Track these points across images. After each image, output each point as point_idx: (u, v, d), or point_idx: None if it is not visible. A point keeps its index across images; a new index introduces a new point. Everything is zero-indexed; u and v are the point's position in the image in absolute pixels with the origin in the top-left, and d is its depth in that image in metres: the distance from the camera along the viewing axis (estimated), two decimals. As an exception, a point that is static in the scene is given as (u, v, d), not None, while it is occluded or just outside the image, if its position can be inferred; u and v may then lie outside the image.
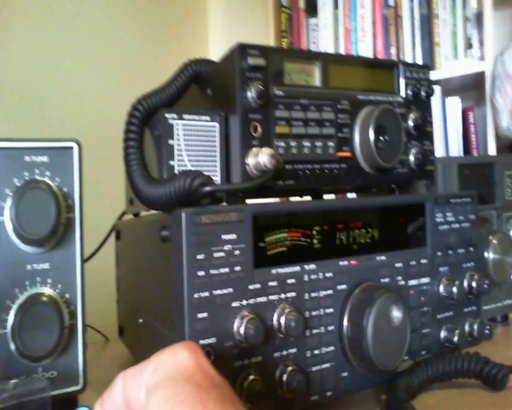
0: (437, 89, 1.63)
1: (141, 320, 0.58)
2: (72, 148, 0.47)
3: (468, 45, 1.65)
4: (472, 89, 1.74)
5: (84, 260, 0.49)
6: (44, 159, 0.46)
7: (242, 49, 0.49)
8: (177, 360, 0.33)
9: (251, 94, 0.49)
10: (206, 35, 2.16)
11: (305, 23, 1.93)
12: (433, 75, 1.62)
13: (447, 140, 1.65)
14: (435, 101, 1.62)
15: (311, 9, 1.92)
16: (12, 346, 0.45)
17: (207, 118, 0.50)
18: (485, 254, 0.71)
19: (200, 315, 0.42)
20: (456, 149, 1.63)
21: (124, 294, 0.71)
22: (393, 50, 1.74)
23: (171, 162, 0.49)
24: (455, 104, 1.65)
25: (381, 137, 0.56)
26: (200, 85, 0.59)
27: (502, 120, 1.46)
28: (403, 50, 1.73)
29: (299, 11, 1.94)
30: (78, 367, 0.48)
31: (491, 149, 1.53)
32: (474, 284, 0.59)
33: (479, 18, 1.64)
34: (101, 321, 0.86)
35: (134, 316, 0.61)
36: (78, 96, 1.56)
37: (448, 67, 1.65)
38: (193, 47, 2.03)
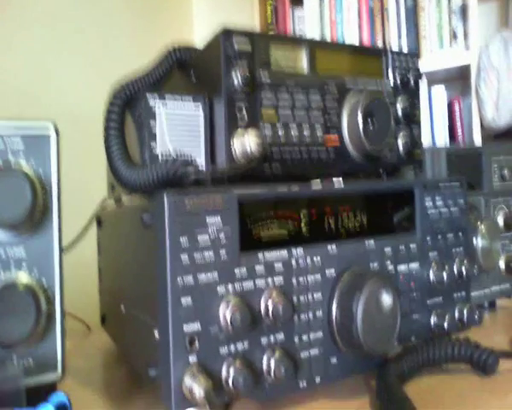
0: (423, 80, 1.63)
1: (123, 308, 0.56)
2: (48, 130, 0.46)
3: (454, 37, 1.65)
4: (457, 80, 1.75)
5: (63, 249, 0.47)
6: (19, 141, 0.44)
7: (227, 34, 0.48)
8: None
9: (237, 80, 0.47)
10: (191, 26, 2.14)
11: (290, 15, 1.92)
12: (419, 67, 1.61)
13: (433, 130, 1.65)
14: (421, 92, 1.62)
15: (297, 1, 1.91)
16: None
17: (190, 100, 0.49)
18: (474, 241, 0.71)
19: (183, 300, 0.41)
20: (443, 139, 1.64)
21: (106, 282, 0.70)
22: (379, 42, 1.74)
23: (153, 144, 0.47)
24: (440, 94, 1.66)
25: (369, 123, 0.55)
26: (185, 72, 0.57)
27: (487, 111, 1.47)
28: (389, 42, 1.73)
29: (285, 3, 1.93)
30: (57, 355, 0.46)
31: (477, 139, 1.54)
32: (463, 269, 0.58)
33: (464, 10, 1.64)
34: (84, 311, 0.84)
35: (116, 304, 0.59)
36: (58, 83, 1.53)
37: (434, 58, 1.65)
38: (176, 37, 2.00)
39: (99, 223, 0.71)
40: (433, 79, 1.68)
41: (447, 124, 1.65)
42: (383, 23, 1.74)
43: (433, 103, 1.67)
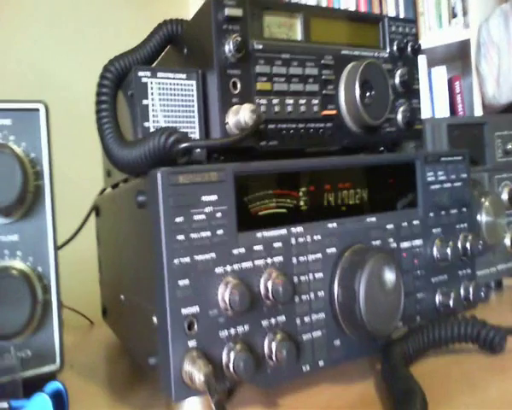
0: (422, 59, 1.61)
1: (122, 297, 0.55)
2: (38, 110, 0.44)
3: (453, 14, 1.63)
4: (457, 59, 1.73)
5: (62, 244, 0.46)
6: (8, 122, 0.42)
7: (218, 0, 0.46)
8: None
9: (228, 47, 0.46)
10: (188, 15, 2.12)
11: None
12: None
13: (433, 110, 1.64)
14: (421, 71, 1.60)
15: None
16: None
17: (183, 75, 0.47)
18: (478, 217, 0.69)
19: (181, 282, 0.39)
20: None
21: (106, 273, 0.68)
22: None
23: (146, 124, 0.46)
24: (441, 74, 1.64)
25: (367, 94, 0.53)
26: (177, 47, 0.56)
27: (488, 88, 1.45)
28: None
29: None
30: (55, 345, 0.45)
31: (479, 118, 1.52)
32: (468, 246, 0.56)
33: (462, -14, 1.61)
34: (87, 305, 0.83)
35: (116, 294, 0.58)
36: (53, 73, 1.50)
37: (433, 36, 1.62)
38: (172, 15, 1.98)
39: (97, 212, 0.70)
40: (433, 59, 1.66)
41: (448, 103, 1.63)
42: (381, 0, 1.71)
43: (434, 84, 1.65)
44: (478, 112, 1.52)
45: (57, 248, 0.46)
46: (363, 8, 1.74)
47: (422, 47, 1.55)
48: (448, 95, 1.63)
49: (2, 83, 1.35)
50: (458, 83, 1.62)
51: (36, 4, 1.50)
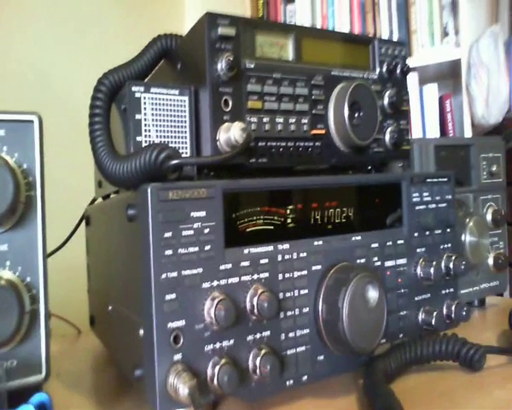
0: (414, 76, 1.63)
1: (110, 307, 0.55)
2: (32, 121, 0.45)
3: (444, 33, 1.65)
4: (449, 77, 1.75)
5: (51, 252, 0.46)
6: (1, 132, 0.43)
7: (211, 18, 0.47)
8: None
9: (221, 65, 0.47)
10: (183, 21, 2.13)
11: (282, 9, 1.91)
12: (410, 62, 1.61)
13: (424, 127, 1.65)
14: (413, 89, 1.62)
15: (288, -5, 1.90)
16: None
17: (176, 91, 0.48)
18: (462, 237, 0.71)
19: (168, 296, 0.40)
20: (434, 137, 1.64)
21: (94, 282, 0.69)
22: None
23: (139, 138, 0.46)
24: (432, 92, 1.66)
25: (355, 114, 0.54)
26: (170, 61, 0.57)
27: (477, 108, 1.47)
28: (380, 36, 1.73)
29: (276, -3, 1.92)
30: (41, 355, 0.45)
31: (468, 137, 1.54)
32: (451, 265, 0.58)
33: (454, 5, 1.64)
34: (75, 314, 0.83)
35: (104, 304, 0.58)
36: (48, 79, 1.50)
37: (425, 54, 1.65)
38: (168, 31, 1.98)
39: (87, 222, 0.70)
40: (425, 75, 1.68)
41: (438, 121, 1.65)
42: (374, 18, 1.74)
43: (425, 102, 1.67)
44: (467, 131, 1.54)
45: (46, 257, 0.46)
46: (356, 25, 1.77)
47: (415, 64, 1.58)
48: (439, 112, 1.65)
49: (2, 82, 1.35)
50: (449, 101, 1.64)
51: (36, 5, 1.50)
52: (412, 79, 1.62)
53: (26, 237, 0.45)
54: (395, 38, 1.70)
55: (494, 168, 0.79)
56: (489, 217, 0.78)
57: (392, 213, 0.56)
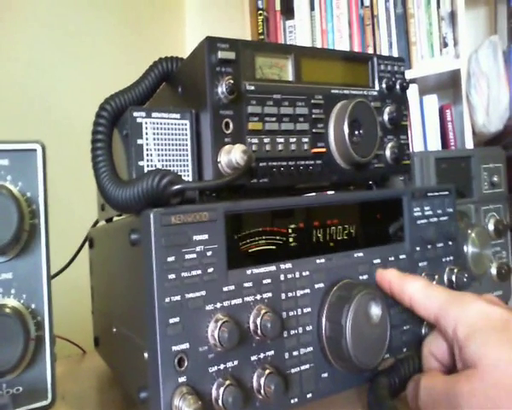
0: (414, 87, 1.64)
1: (114, 329, 0.56)
2: (35, 150, 0.45)
3: (444, 44, 1.66)
4: (449, 87, 1.76)
5: (55, 273, 0.47)
6: (5, 162, 0.44)
7: (211, 43, 0.48)
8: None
9: (221, 89, 0.47)
10: (183, 39, 2.15)
11: (281, 25, 1.93)
12: (410, 74, 1.63)
13: (425, 138, 1.66)
14: (413, 100, 1.63)
15: (288, 11, 1.92)
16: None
17: (177, 115, 0.49)
18: (464, 248, 0.71)
19: (171, 320, 0.40)
20: (435, 147, 1.64)
21: (98, 303, 0.69)
22: (370, 50, 1.75)
23: (141, 163, 0.47)
24: (432, 102, 1.66)
25: (355, 132, 0.55)
26: (171, 84, 0.57)
27: (478, 117, 1.48)
28: (380, 50, 1.74)
29: (276, 13, 1.93)
30: (47, 381, 0.45)
31: (469, 146, 1.54)
32: (453, 278, 0.58)
33: (453, 16, 1.65)
34: (80, 333, 0.83)
35: (108, 326, 0.59)
36: (47, 100, 1.51)
37: (424, 65, 1.66)
38: (169, 50, 2.00)
39: (91, 244, 0.71)
40: (425, 86, 1.69)
41: (439, 131, 1.65)
42: (374, 30, 1.75)
43: (425, 112, 1.67)
44: (468, 140, 1.55)
45: (50, 282, 0.46)
46: (356, 39, 1.78)
47: (415, 75, 1.59)
48: (439, 123, 1.65)
49: (3, 108, 1.36)
50: (449, 111, 1.65)
51: (36, 30, 1.51)
52: (412, 90, 1.63)
53: (30, 264, 0.45)
54: (395, 51, 1.71)
55: (495, 178, 0.80)
56: (491, 227, 0.78)
57: (394, 227, 0.56)
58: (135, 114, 0.47)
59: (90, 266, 0.72)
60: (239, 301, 0.44)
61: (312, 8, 1.86)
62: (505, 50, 1.51)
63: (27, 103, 1.44)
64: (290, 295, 0.47)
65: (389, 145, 0.60)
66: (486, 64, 1.44)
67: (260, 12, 1.93)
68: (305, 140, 0.53)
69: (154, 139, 0.48)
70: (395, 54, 1.70)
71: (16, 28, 1.45)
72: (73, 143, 1.25)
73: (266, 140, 0.50)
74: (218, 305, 0.43)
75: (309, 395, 0.48)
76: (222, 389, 0.41)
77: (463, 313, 0.44)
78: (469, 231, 0.72)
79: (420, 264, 0.57)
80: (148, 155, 0.47)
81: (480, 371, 0.39)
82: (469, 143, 1.54)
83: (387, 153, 0.60)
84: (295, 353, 0.47)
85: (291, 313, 0.47)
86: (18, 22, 1.46)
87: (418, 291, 0.49)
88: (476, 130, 1.51)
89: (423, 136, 1.66)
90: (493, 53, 1.44)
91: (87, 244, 0.73)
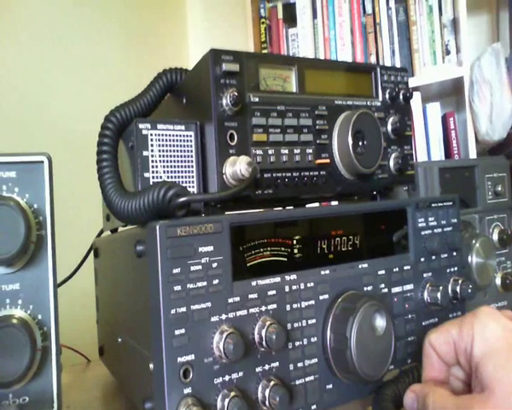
0: (417, 95, 1.64)
1: (120, 339, 0.56)
2: (42, 162, 0.46)
3: (446, 51, 1.66)
4: (452, 95, 1.76)
5: (60, 282, 0.47)
6: (12, 174, 0.44)
7: (216, 55, 0.48)
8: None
9: (226, 101, 0.47)
10: (186, 47, 2.15)
11: (284, 33, 1.94)
12: (413, 81, 1.63)
13: (429, 146, 1.66)
14: (416, 107, 1.63)
15: (290, 19, 1.93)
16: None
17: (182, 127, 0.49)
18: (469, 259, 0.71)
19: (177, 332, 0.41)
20: (438, 155, 1.64)
21: (103, 313, 0.69)
22: (373, 58, 1.75)
23: (146, 174, 0.47)
24: (435, 110, 1.66)
25: (359, 143, 0.55)
26: (176, 96, 0.58)
27: (481, 125, 1.48)
28: (382, 58, 1.74)
29: (278, 21, 1.94)
30: (53, 391, 0.46)
31: (472, 154, 1.54)
32: (458, 289, 0.58)
33: (455, 24, 1.65)
34: (84, 342, 0.83)
35: (113, 335, 0.59)
36: (52, 111, 1.51)
37: (427, 73, 1.66)
38: (172, 59, 2.01)
39: (96, 253, 0.71)
40: (428, 94, 1.69)
41: (442, 139, 1.65)
42: (376, 38, 1.75)
43: (428, 120, 1.67)
44: (472, 147, 1.55)
45: (57, 294, 0.47)
46: (358, 47, 1.78)
47: (417, 83, 1.59)
48: (442, 130, 1.65)
49: (8, 120, 1.37)
50: (452, 118, 1.65)
51: (39, 43, 1.52)
52: (415, 98, 1.63)
53: (36, 275, 0.45)
54: (397, 58, 1.71)
55: (499, 188, 0.80)
56: (495, 237, 0.78)
57: (399, 238, 0.57)
58: (140, 125, 0.48)
59: (95, 276, 0.72)
60: (244, 312, 0.44)
61: (315, 16, 1.86)
62: (508, 57, 1.52)
63: (33, 114, 1.44)
64: (295, 306, 0.47)
65: (393, 156, 0.60)
66: (489, 71, 1.45)
67: (263, 20, 1.94)
68: (309, 151, 0.54)
69: (160, 151, 0.48)
70: (397, 61, 1.71)
71: (18, 37, 1.46)
72: (79, 154, 1.25)
73: (271, 151, 0.51)
74: (224, 316, 0.43)
75: (314, 407, 0.48)
76: (227, 401, 0.41)
77: (481, 329, 0.42)
78: (474, 242, 0.72)
79: (424, 275, 0.57)
80: (153, 166, 0.47)
81: (497, 397, 0.38)
82: (472, 151, 1.54)
83: (391, 163, 0.60)
84: (300, 364, 0.47)
85: (296, 325, 0.47)
86: (19, 31, 1.47)
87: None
88: (479, 138, 1.51)
89: (426, 143, 1.66)
90: (496, 60, 1.44)
91: (92, 254, 0.73)
